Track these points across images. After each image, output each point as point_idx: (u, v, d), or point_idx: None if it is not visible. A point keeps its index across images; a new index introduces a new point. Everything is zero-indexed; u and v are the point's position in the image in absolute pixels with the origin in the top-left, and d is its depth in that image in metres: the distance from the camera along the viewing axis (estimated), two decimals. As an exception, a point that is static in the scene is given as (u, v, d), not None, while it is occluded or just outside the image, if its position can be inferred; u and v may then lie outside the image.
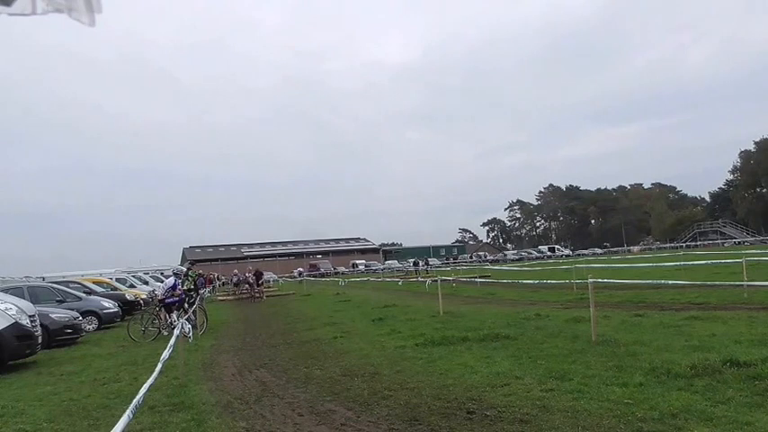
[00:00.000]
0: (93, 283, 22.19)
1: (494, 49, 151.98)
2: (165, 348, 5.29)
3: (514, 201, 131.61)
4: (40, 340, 10.64)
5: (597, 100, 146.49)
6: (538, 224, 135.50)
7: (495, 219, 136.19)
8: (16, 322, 9.85)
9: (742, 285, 12.68)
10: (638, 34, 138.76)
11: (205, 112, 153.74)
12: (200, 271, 23.88)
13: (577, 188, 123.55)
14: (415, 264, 55.02)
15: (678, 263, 20.97)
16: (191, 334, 11.93)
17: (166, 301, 13.69)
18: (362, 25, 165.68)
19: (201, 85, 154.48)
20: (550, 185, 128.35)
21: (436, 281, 17.16)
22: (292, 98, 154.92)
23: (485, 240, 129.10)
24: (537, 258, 74.73)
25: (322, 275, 67.94)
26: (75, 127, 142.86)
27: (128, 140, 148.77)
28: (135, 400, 4.38)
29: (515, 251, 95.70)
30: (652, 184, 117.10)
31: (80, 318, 14.35)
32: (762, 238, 69.07)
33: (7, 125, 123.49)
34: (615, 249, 79.79)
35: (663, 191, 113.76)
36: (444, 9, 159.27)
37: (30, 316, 10.32)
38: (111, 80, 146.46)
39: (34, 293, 15.48)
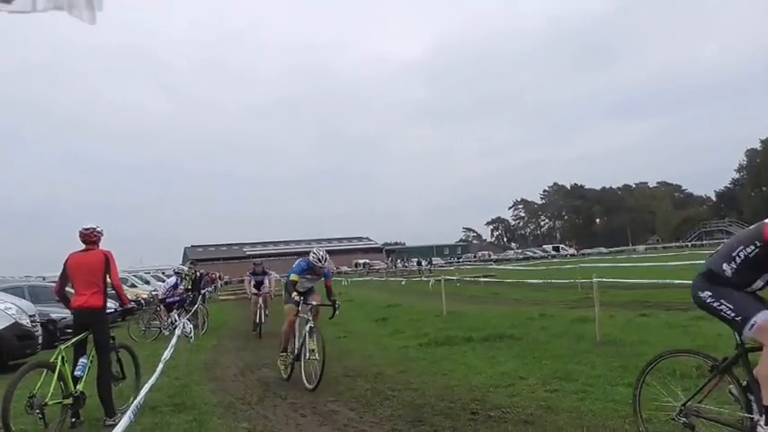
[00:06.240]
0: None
1: (498, 48, 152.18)
2: (166, 349, 5.27)
3: (519, 199, 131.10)
4: (40, 340, 10.58)
5: (602, 98, 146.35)
6: (542, 223, 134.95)
7: (499, 218, 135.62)
8: (16, 322, 9.80)
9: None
10: (644, 32, 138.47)
11: (208, 107, 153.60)
12: (203, 270, 23.74)
13: (582, 187, 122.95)
14: (419, 263, 55.42)
15: (684, 262, 20.77)
16: (192, 334, 11.94)
17: (167, 300, 13.67)
18: (370, 20, 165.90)
19: (205, 82, 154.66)
20: (555, 184, 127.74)
21: (440, 280, 17.07)
22: (296, 94, 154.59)
23: (489, 240, 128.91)
24: (541, 258, 74.39)
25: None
26: (74, 123, 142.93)
27: (128, 137, 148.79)
28: (136, 401, 4.36)
29: (520, 250, 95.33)
30: (657, 182, 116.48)
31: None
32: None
33: (4, 121, 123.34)
34: (621, 249, 79.36)
35: (668, 190, 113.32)
36: (451, 6, 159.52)
37: (30, 316, 10.27)
38: (113, 74, 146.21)
39: (35, 293, 15.19)
